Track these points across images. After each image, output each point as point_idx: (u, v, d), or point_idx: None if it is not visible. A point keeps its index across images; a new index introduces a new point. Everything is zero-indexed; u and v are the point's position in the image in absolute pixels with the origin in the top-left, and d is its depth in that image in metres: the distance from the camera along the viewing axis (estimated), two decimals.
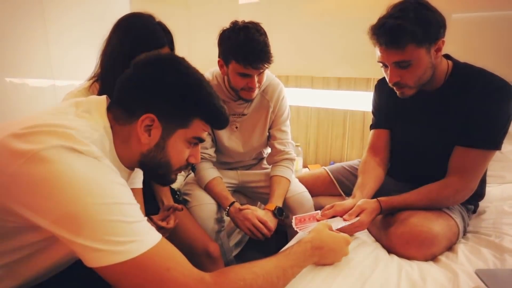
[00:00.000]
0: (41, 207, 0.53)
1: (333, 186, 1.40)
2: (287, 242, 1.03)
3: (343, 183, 1.39)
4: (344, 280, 0.78)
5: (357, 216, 0.98)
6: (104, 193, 0.55)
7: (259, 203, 1.55)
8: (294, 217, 1.04)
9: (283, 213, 1.26)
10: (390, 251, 0.96)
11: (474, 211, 1.18)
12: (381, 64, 1.03)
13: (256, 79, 1.16)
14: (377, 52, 1.00)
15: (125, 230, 0.54)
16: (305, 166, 2.02)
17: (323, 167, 1.49)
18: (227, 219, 1.32)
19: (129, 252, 0.53)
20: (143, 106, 0.66)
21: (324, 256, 0.80)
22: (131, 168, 0.73)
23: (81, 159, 0.56)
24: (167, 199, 1.19)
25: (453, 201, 1.03)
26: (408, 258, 0.92)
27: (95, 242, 0.52)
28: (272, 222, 1.20)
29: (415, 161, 1.16)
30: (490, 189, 1.28)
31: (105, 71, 0.99)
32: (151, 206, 1.14)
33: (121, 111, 0.68)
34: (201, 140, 0.74)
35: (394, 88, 1.04)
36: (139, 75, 0.68)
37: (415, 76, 0.98)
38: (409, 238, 0.92)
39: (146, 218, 0.61)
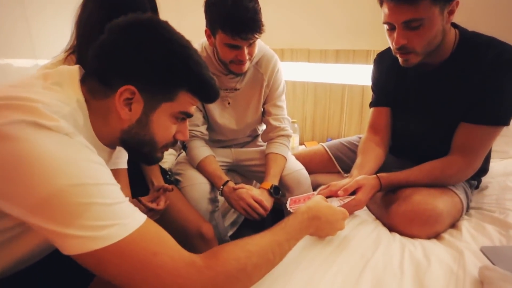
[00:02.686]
0: (9, 194, 0.47)
1: (331, 163, 1.35)
2: None
3: (341, 160, 1.35)
4: (346, 261, 0.75)
5: (352, 194, 0.93)
6: (79, 173, 0.49)
7: (254, 182, 1.50)
8: (289, 198, 1.00)
9: (280, 191, 1.21)
10: (391, 229, 0.92)
11: (477, 187, 1.15)
12: (386, 26, 0.94)
13: (246, 50, 1.07)
14: (384, 10, 0.90)
15: (105, 213, 0.49)
16: (301, 143, 1.97)
17: (321, 143, 1.43)
18: (221, 199, 1.28)
19: (110, 237, 0.48)
20: (121, 77, 0.59)
21: (320, 228, 0.76)
22: (111, 146, 0.66)
23: (49, 136, 0.49)
24: (157, 180, 1.14)
25: (455, 179, 0.99)
26: (411, 236, 0.88)
27: (72, 228, 0.47)
28: (268, 202, 1.16)
29: (416, 140, 1.11)
30: (493, 164, 1.24)
31: (81, 42, 0.90)
32: (140, 187, 1.08)
33: (97, 83, 0.60)
34: (189, 115, 0.67)
35: (398, 55, 0.95)
36: (116, 41, 0.60)
37: (424, 39, 0.89)
38: (412, 217, 0.88)
39: (128, 199, 0.55)
